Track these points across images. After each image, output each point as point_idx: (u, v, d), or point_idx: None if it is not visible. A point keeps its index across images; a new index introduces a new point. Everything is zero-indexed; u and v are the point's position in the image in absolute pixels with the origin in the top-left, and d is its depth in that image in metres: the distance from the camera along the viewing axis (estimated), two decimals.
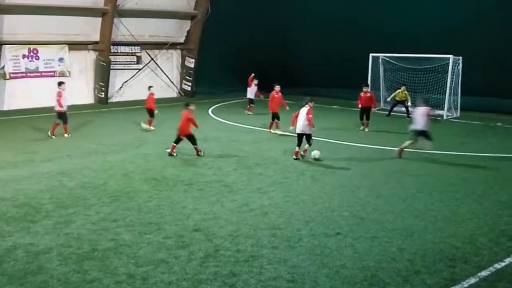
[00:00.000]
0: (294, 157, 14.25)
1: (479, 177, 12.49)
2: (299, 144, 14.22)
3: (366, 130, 19.14)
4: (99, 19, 26.45)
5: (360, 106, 19.41)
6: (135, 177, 12.27)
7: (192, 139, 14.53)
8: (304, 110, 14.05)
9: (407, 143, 14.35)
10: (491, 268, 7.26)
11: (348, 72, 25.07)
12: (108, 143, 16.43)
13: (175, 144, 14.63)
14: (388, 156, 14.60)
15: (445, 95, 22.63)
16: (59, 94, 17.45)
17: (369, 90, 20.21)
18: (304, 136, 14.14)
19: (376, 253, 7.77)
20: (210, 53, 29.89)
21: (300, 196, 10.71)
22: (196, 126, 14.51)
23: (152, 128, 19.07)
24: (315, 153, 14.16)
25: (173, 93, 31.29)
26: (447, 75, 22.28)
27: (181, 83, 31.50)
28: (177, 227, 8.84)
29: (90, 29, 26.46)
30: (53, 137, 17.32)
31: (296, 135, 14.32)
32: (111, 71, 27.36)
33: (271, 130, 18.60)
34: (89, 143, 16.39)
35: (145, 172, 12.75)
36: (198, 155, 14.46)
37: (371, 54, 24.88)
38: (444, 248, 7.95)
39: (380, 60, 25.22)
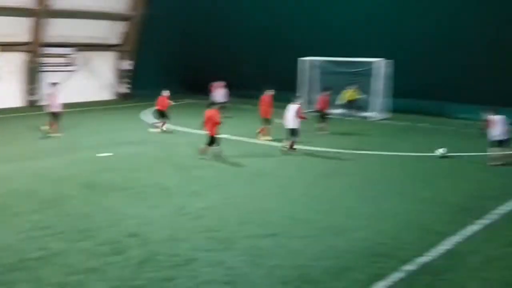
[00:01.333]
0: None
1: (402, 175, 13.18)
2: (288, 138, 15.44)
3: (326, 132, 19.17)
4: (29, 19, 25.46)
5: (320, 109, 19.50)
6: (67, 183, 11.90)
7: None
8: (293, 107, 15.35)
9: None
10: (414, 262, 7.68)
11: (279, 75, 25.35)
12: (39, 148, 15.85)
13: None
14: (319, 157, 15.06)
15: (376, 97, 23.47)
16: (53, 95, 17.58)
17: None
18: (291, 131, 15.26)
19: (308, 251, 8.04)
20: (147, 55, 29.54)
21: (236, 198, 10.85)
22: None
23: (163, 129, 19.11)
24: (441, 150, 14.85)
25: (109, 95, 30.63)
26: (378, 78, 23.14)
27: (117, 85, 30.87)
28: (111, 233, 8.72)
29: (20, 29, 25.39)
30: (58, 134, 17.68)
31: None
32: (43, 73, 26.39)
33: (261, 138, 17.41)
34: (18, 148, 15.74)
35: (77, 177, 12.39)
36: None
37: (299, 58, 24.90)
38: (371, 245, 8.34)
39: (308, 64, 25.11)
